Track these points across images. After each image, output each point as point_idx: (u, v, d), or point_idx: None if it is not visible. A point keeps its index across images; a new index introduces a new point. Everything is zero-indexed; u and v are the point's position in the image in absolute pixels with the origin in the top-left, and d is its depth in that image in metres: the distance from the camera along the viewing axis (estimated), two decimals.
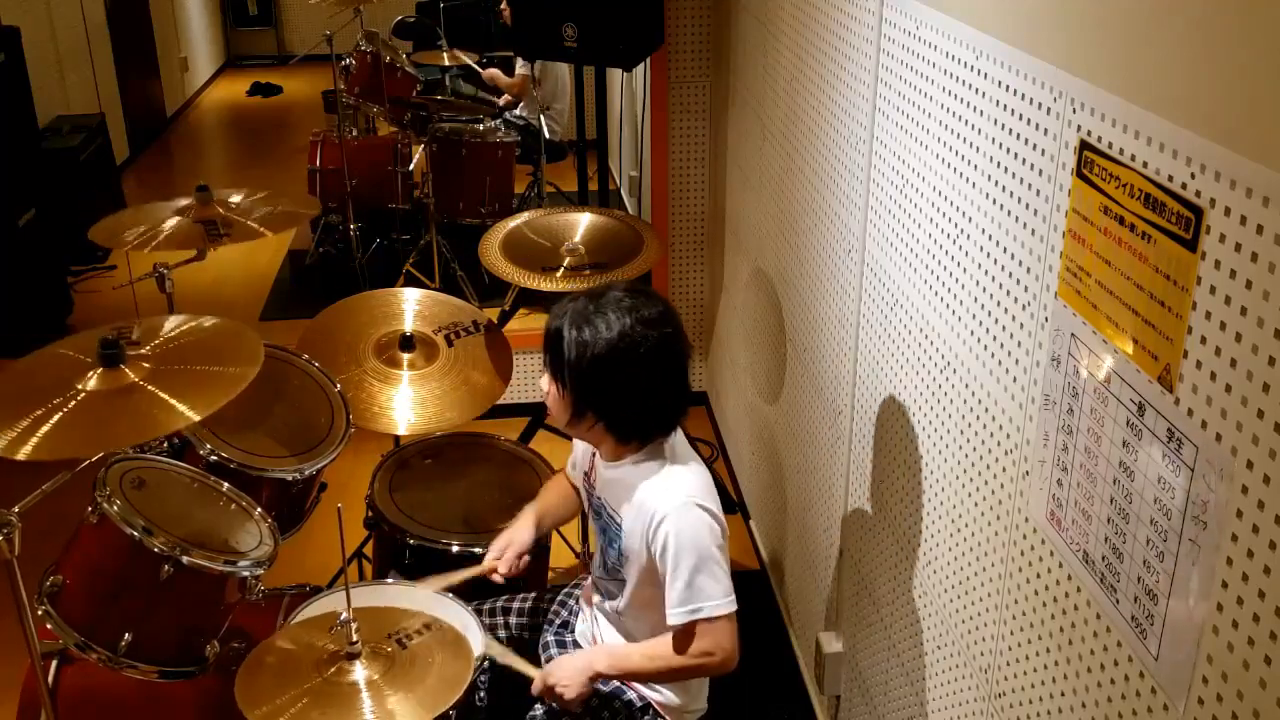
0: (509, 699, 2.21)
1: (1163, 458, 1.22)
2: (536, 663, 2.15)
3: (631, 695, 2.10)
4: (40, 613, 1.96)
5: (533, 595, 2.38)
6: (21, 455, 1.74)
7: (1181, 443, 1.18)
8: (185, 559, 1.97)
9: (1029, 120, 1.50)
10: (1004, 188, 1.59)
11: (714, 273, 4.13)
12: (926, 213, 1.90)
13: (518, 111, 5.84)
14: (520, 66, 5.75)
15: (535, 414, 3.59)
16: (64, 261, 5.40)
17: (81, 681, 2.15)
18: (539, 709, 2.13)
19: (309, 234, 5.60)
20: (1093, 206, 1.34)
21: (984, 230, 1.66)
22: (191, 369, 1.95)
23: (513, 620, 2.33)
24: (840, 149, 2.40)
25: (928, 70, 1.86)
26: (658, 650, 1.97)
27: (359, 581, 2.57)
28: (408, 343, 2.83)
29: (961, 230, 1.75)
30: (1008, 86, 1.56)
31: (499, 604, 2.35)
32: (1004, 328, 1.62)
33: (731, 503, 3.72)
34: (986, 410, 1.70)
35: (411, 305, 2.95)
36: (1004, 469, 1.64)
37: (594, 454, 2.13)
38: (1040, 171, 1.48)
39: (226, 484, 2.26)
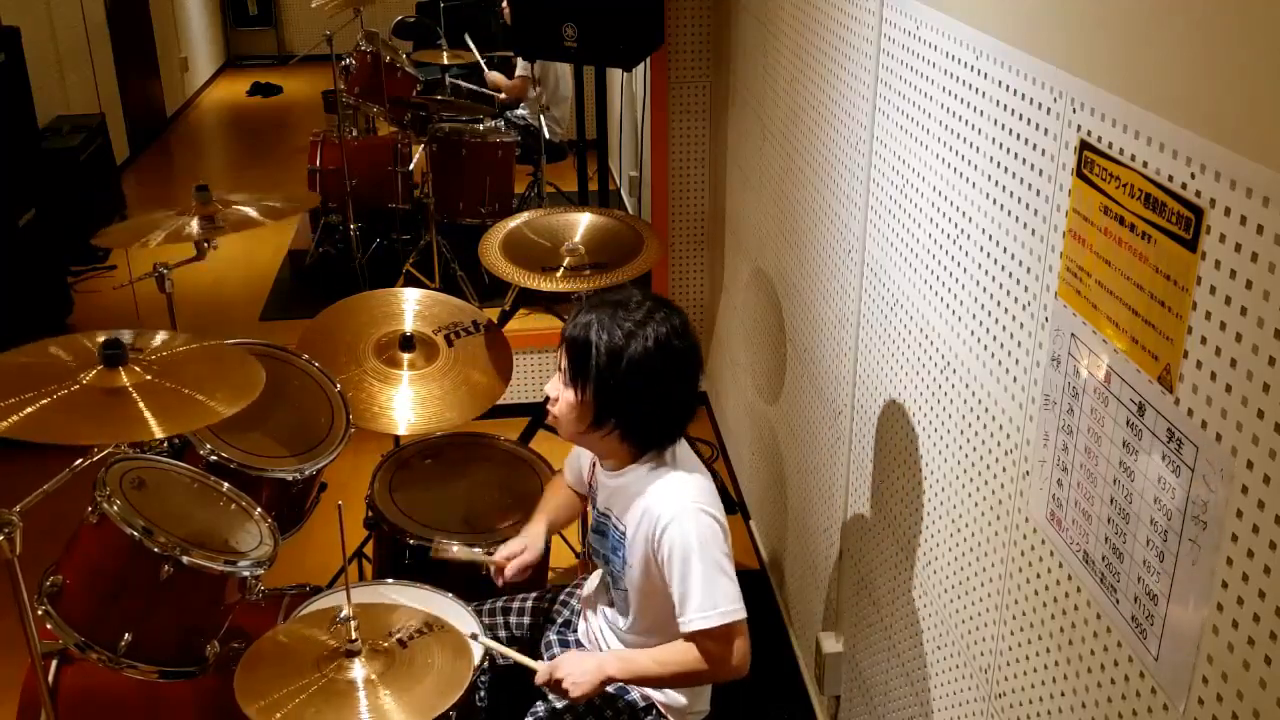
0: (509, 699, 2.21)
1: (1163, 458, 1.22)
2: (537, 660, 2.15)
3: (635, 695, 2.10)
4: (40, 613, 1.96)
5: (533, 595, 2.38)
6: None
7: (1181, 443, 1.18)
8: (185, 559, 1.97)
9: (1029, 120, 1.50)
10: (1004, 188, 1.59)
11: (714, 273, 4.13)
12: (926, 213, 1.90)
13: (518, 111, 5.84)
14: (520, 68, 5.75)
15: (535, 414, 3.59)
16: (64, 261, 5.40)
17: (81, 681, 2.15)
18: (540, 708, 2.13)
19: (309, 234, 5.60)
20: (1093, 206, 1.34)
21: (984, 230, 1.66)
22: (180, 390, 1.97)
23: (513, 620, 2.33)
24: (840, 149, 2.40)
25: (928, 70, 1.86)
26: (669, 656, 1.96)
27: (359, 582, 2.57)
28: (408, 343, 2.83)
29: (961, 230, 1.75)
30: (1008, 86, 1.56)
31: (499, 604, 2.35)
32: (1004, 328, 1.62)
33: (731, 503, 3.72)
34: (986, 410, 1.70)
35: (411, 305, 2.95)
36: (1004, 469, 1.64)
37: (594, 462, 2.13)
38: (1040, 171, 1.48)
39: (226, 484, 2.26)
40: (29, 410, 1.80)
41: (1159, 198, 1.20)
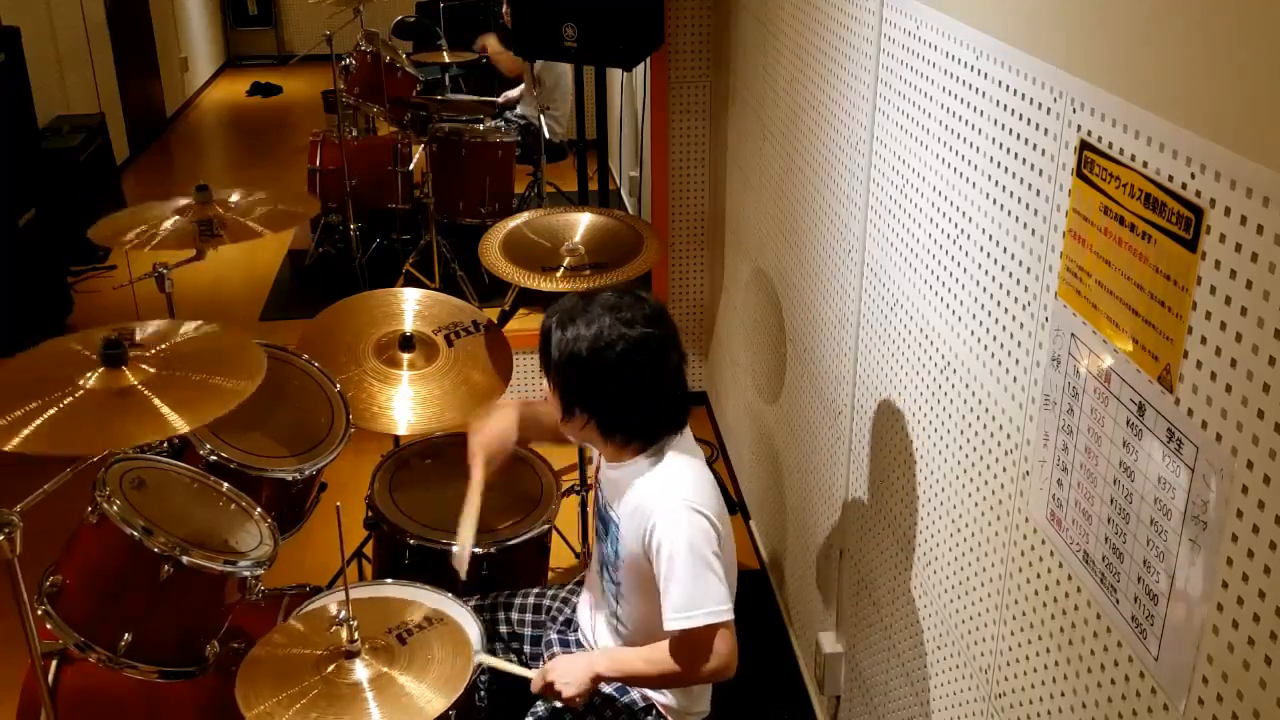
0: (509, 699, 2.21)
1: (1163, 458, 1.22)
2: (533, 663, 2.15)
3: (635, 695, 2.10)
4: (40, 613, 1.96)
5: (533, 592, 2.38)
6: (9, 447, 1.74)
7: (1181, 443, 1.18)
8: (185, 559, 1.97)
9: (1029, 120, 1.50)
10: (1004, 188, 1.59)
11: (714, 273, 4.13)
12: (926, 213, 1.90)
13: (518, 111, 5.84)
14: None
15: None
16: (64, 261, 5.40)
17: (81, 681, 2.15)
18: (540, 708, 2.13)
19: (309, 234, 5.60)
20: (1093, 206, 1.34)
21: (984, 230, 1.66)
22: (190, 377, 1.96)
23: (514, 615, 2.33)
24: (840, 149, 2.40)
25: (928, 70, 1.86)
26: (656, 655, 1.96)
27: (359, 582, 2.57)
28: (408, 343, 2.83)
29: (961, 230, 1.75)
30: (1008, 86, 1.56)
31: (500, 599, 2.35)
32: (1004, 328, 1.62)
33: (731, 503, 3.72)
34: (986, 410, 1.70)
35: (411, 305, 2.96)
36: (1004, 469, 1.64)
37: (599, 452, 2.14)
38: (1040, 171, 1.48)
39: (226, 484, 2.26)
40: (37, 423, 1.78)
41: (1159, 198, 1.20)
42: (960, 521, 1.82)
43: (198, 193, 2.66)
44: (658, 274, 4.16)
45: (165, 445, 2.36)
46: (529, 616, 2.33)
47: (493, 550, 2.47)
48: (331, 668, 1.85)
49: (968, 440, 1.78)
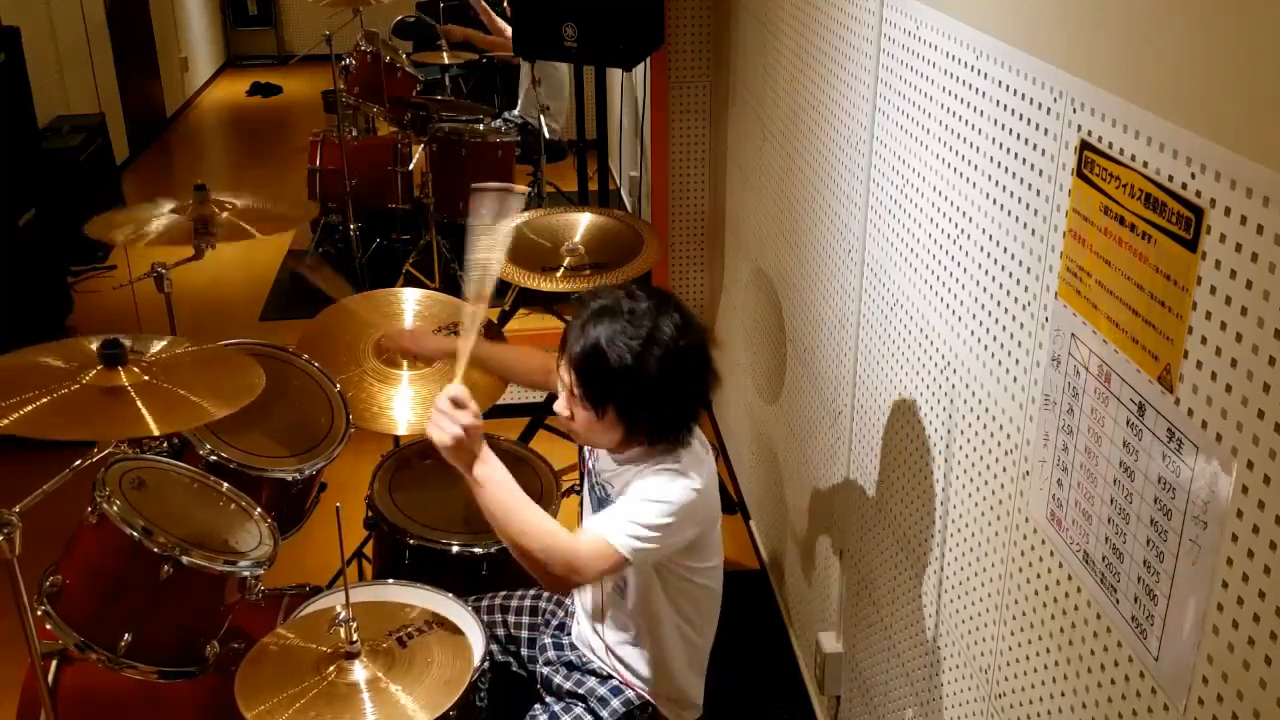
0: (509, 699, 2.21)
1: (1163, 458, 1.22)
2: (529, 665, 2.14)
3: (630, 694, 2.10)
4: (40, 613, 1.96)
5: (530, 594, 2.38)
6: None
7: (1181, 443, 1.18)
8: (185, 559, 1.97)
9: (1029, 120, 1.50)
10: (1004, 188, 1.59)
11: (714, 273, 4.13)
12: (926, 213, 1.90)
13: (518, 111, 5.84)
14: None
15: (535, 414, 3.59)
16: (64, 261, 5.40)
17: (81, 681, 2.15)
18: (539, 709, 2.13)
19: (309, 234, 5.60)
20: (1093, 206, 1.34)
21: (984, 230, 1.66)
22: (177, 391, 1.98)
23: (510, 619, 2.33)
24: (840, 149, 2.40)
25: (928, 70, 1.86)
26: (542, 518, 1.89)
27: (359, 582, 2.57)
28: None
29: (961, 230, 1.75)
30: (1008, 86, 1.56)
31: (497, 601, 2.35)
32: (1004, 328, 1.62)
33: (731, 503, 3.72)
34: (986, 410, 1.70)
35: (411, 305, 2.95)
36: (1004, 469, 1.64)
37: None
38: (1040, 171, 1.48)
39: (226, 484, 2.26)
40: (28, 409, 1.81)
41: (1159, 198, 1.20)
42: (960, 521, 1.82)
43: (196, 192, 2.66)
44: (658, 274, 4.16)
45: (165, 445, 2.36)
46: (525, 619, 2.33)
47: (492, 550, 2.47)
48: (332, 668, 1.85)
49: (968, 440, 1.78)
